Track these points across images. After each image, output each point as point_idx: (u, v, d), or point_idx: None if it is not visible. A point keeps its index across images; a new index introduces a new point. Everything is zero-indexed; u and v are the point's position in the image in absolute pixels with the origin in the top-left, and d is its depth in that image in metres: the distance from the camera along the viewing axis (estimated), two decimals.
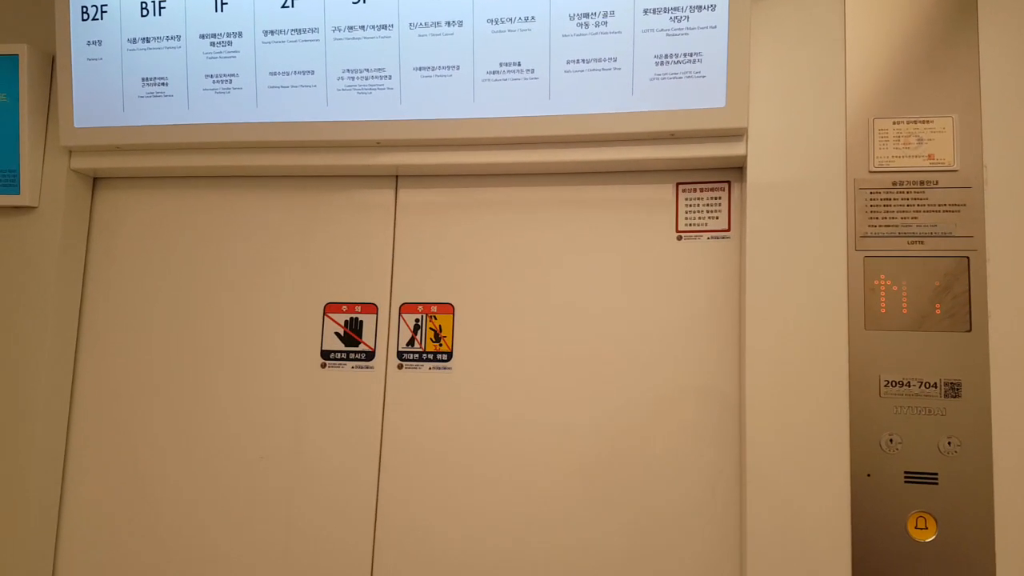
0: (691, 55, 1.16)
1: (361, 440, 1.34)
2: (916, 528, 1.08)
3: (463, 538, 1.29)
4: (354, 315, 1.37)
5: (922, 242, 1.13)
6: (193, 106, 1.34)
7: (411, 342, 1.35)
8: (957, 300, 1.11)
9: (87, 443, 1.43)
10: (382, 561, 1.31)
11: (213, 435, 1.39)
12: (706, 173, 1.29)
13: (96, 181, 1.50)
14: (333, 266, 1.39)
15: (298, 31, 1.29)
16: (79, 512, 1.42)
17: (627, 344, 1.27)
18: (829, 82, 1.18)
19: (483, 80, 1.23)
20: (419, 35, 1.24)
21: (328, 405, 1.36)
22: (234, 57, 1.32)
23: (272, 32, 1.30)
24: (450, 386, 1.32)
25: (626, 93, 1.19)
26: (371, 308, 1.37)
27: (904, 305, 1.12)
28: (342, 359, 1.36)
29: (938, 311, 1.11)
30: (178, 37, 1.34)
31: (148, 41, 1.35)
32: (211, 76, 1.33)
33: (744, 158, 1.20)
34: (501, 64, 1.22)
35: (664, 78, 1.17)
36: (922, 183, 1.14)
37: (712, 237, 1.27)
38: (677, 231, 1.29)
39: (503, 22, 1.21)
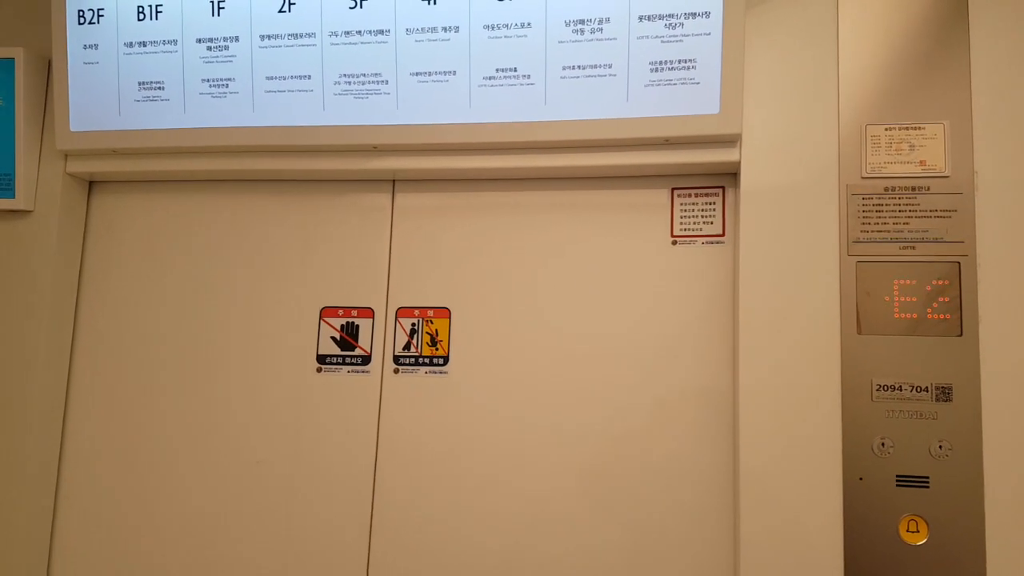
0: (685, 62, 1.17)
1: (357, 444, 1.34)
2: (908, 531, 1.09)
3: (459, 542, 1.29)
4: (350, 319, 1.38)
5: (914, 247, 1.14)
6: (189, 110, 1.34)
7: (407, 346, 1.35)
8: (948, 305, 1.12)
9: (82, 447, 1.43)
10: (378, 564, 1.31)
11: (209, 439, 1.39)
12: (701, 178, 1.30)
13: (92, 185, 1.50)
14: (329, 270, 1.40)
15: (295, 36, 1.29)
16: (74, 516, 1.42)
17: (622, 348, 1.28)
18: (822, 89, 1.19)
19: (479, 85, 1.23)
20: (416, 40, 1.25)
21: (324, 409, 1.36)
22: (231, 61, 1.32)
23: (269, 37, 1.30)
24: (446, 390, 1.33)
25: (621, 99, 1.20)
26: (367, 312, 1.37)
27: (896, 310, 1.13)
28: (338, 363, 1.37)
29: (930, 316, 1.12)
30: (175, 41, 1.34)
31: (144, 45, 1.35)
32: (208, 80, 1.33)
33: (738, 164, 1.21)
34: (497, 70, 1.23)
35: (659, 84, 1.18)
36: (914, 189, 1.15)
37: (706, 242, 1.28)
38: (672, 236, 1.30)
39: (499, 28, 1.22)
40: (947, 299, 1.12)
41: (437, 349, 1.34)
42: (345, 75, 1.28)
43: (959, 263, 1.12)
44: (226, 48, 1.32)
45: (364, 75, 1.27)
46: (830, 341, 1.14)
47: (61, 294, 1.43)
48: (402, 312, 1.36)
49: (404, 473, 1.32)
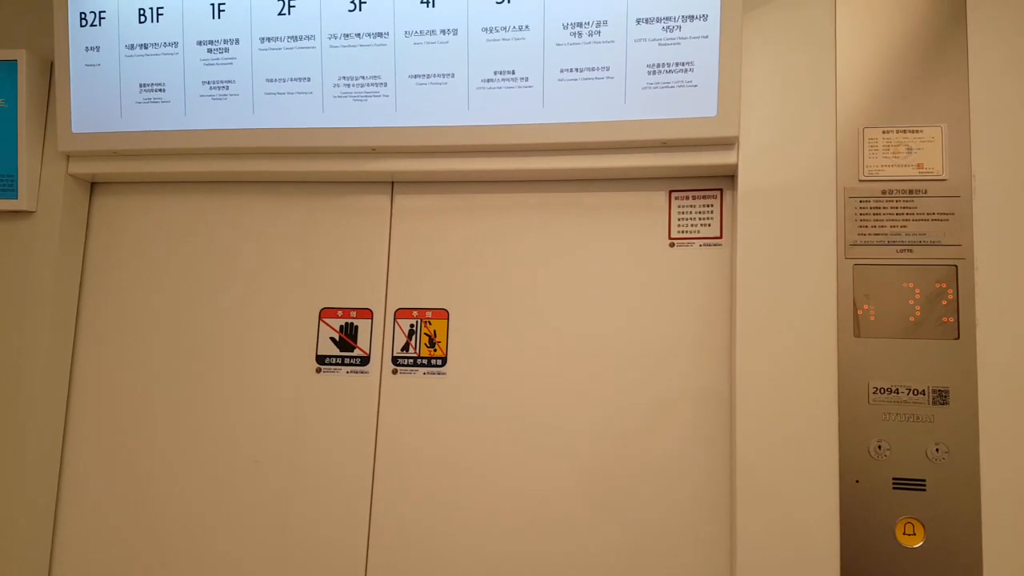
0: (683, 64, 1.18)
1: (355, 445, 1.34)
2: (904, 534, 1.09)
3: (458, 543, 1.29)
4: (349, 320, 1.38)
5: (911, 250, 1.14)
6: (190, 112, 1.35)
7: (406, 347, 1.36)
8: (946, 308, 1.12)
9: (84, 447, 1.44)
10: (376, 564, 1.31)
11: (209, 439, 1.40)
12: (698, 181, 1.30)
13: (94, 186, 1.51)
14: (329, 271, 1.40)
15: (294, 38, 1.30)
16: (75, 516, 1.43)
17: (619, 350, 1.28)
18: (820, 91, 1.19)
19: (477, 88, 1.24)
20: (414, 43, 1.25)
21: (323, 410, 1.37)
22: (231, 64, 1.33)
23: (269, 39, 1.31)
24: (444, 391, 1.33)
25: (619, 102, 1.20)
26: (366, 313, 1.38)
27: (893, 313, 1.13)
28: (337, 364, 1.37)
29: (927, 319, 1.12)
30: (175, 43, 1.35)
31: (146, 47, 1.36)
32: (208, 82, 1.34)
33: (735, 166, 1.21)
34: (495, 72, 1.23)
35: (656, 87, 1.18)
36: (911, 192, 1.15)
37: (704, 244, 1.28)
38: (670, 238, 1.30)
39: (497, 31, 1.22)
40: (944, 302, 1.12)
41: (435, 350, 1.34)
42: (344, 77, 1.28)
43: (956, 266, 1.12)
44: (226, 50, 1.33)
45: (363, 77, 1.28)
46: (827, 344, 1.14)
47: (63, 294, 1.44)
48: (400, 313, 1.37)
49: (402, 473, 1.33)
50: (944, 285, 1.12)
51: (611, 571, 1.24)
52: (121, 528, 1.41)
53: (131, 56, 1.37)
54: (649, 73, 1.18)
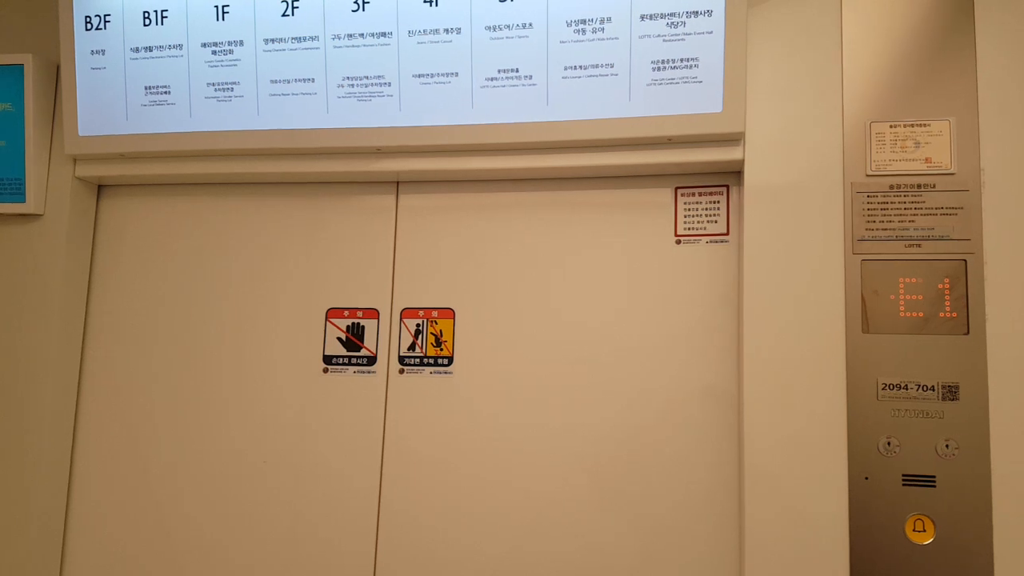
0: (688, 60, 1.17)
1: (363, 445, 1.35)
2: (914, 531, 1.09)
3: (465, 543, 1.30)
4: (356, 320, 1.38)
5: (919, 245, 1.13)
6: (195, 114, 1.36)
7: (412, 347, 1.36)
8: (955, 303, 1.11)
9: (93, 448, 1.45)
10: (384, 565, 1.32)
11: (216, 440, 1.41)
12: (704, 177, 1.29)
13: (101, 188, 1.52)
14: (335, 272, 1.40)
15: (298, 39, 1.30)
16: (85, 517, 1.44)
17: (627, 348, 1.28)
18: (826, 86, 1.18)
19: (482, 87, 1.24)
20: (418, 43, 1.25)
21: (330, 410, 1.37)
22: (235, 65, 1.33)
23: (273, 40, 1.31)
24: (451, 390, 1.33)
25: (623, 99, 1.19)
26: (372, 313, 1.38)
27: (901, 308, 1.12)
28: (344, 364, 1.38)
29: (936, 314, 1.11)
30: (180, 46, 1.35)
31: (151, 50, 1.36)
32: (213, 84, 1.34)
33: (741, 162, 1.21)
34: (499, 71, 1.23)
35: (661, 83, 1.18)
36: (919, 186, 1.14)
37: (711, 241, 1.28)
38: (676, 235, 1.29)
39: (501, 29, 1.22)
40: (953, 297, 1.11)
41: (441, 349, 1.35)
42: (348, 78, 1.28)
43: (965, 261, 1.11)
44: (231, 52, 1.33)
45: (367, 77, 1.28)
46: (835, 340, 1.14)
47: (71, 296, 1.45)
48: (407, 313, 1.37)
49: (410, 472, 1.33)
50: (953, 280, 1.11)
51: (621, 569, 1.24)
52: (130, 527, 1.42)
53: (136, 59, 1.37)
54: (654, 69, 1.18)
